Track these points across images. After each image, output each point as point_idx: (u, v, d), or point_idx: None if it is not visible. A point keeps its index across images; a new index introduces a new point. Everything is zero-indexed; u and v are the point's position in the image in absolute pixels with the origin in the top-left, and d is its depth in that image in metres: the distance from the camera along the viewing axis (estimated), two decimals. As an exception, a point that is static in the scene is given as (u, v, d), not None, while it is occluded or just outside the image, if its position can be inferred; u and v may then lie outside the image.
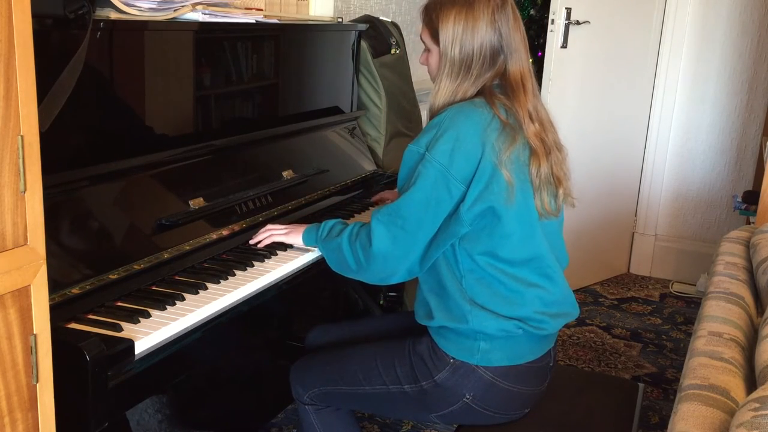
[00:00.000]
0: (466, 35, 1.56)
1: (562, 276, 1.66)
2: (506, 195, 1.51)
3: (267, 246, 1.77)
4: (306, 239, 1.73)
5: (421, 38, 1.67)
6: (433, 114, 1.61)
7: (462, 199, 1.52)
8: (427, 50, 1.65)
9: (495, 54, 1.57)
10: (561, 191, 1.61)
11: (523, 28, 1.63)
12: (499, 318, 1.55)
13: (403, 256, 1.56)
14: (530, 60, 1.63)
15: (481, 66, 1.57)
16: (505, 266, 1.55)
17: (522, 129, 1.55)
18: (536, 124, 1.57)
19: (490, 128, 1.52)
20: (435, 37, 1.60)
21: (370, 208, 2.17)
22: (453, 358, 1.57)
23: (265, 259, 1.72)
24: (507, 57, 1.58)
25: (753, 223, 2.65)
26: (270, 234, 1.77)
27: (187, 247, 1.64)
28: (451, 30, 1.57)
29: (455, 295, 1.56)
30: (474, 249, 1.54)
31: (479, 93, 1.58)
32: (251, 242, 1.78)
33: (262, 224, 1.85)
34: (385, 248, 1.55)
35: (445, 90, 1.59)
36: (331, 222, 1.70)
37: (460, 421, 1.66)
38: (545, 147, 1.58)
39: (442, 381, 1.58)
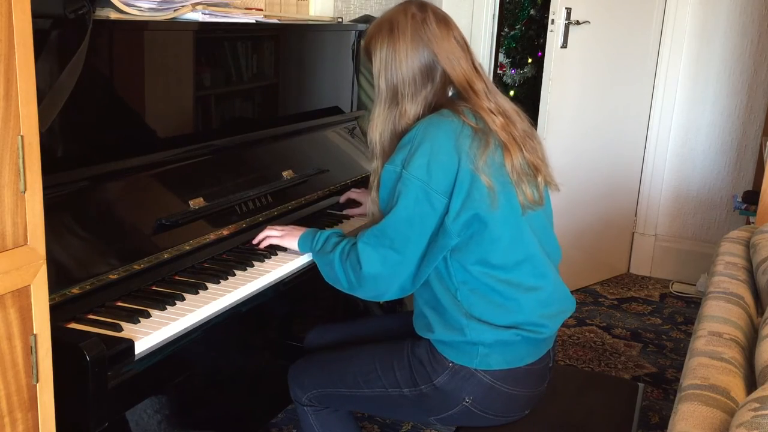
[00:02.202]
0: (389, 61, 1.59)
1: (555, 271, 1.65)
2: (489, 200, 1.50)
3: (267, 246, 1.77)
4: (301, 246, 1.72)
5: None
6: (373, 143, 1.64)
7: (446, 212, 1.52)
8: None
9: (429, 70, 1.59)
10: (540, 178, 1.61)
11: (456, 30, 1.62)
12: (497, 328, 1.54)
13: (395, 276, 1.55)
14: (470, 60, 1.62)
15: (413, 86, 1.58)
16: (498, 272, 1.54)
17: (491, 130, 1.54)
18: (500, 117, 1.57)
19: (462, 136, 1.52)
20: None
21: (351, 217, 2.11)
22: (452, 362, 1.56)
23: (265, 260, 1.72)
24: (444, 67, 1.59)
25: (753, 223, 2.65)
26: (266, 236, 1.77)
27: (187, 247, 1.64)
28: (377, 59, 1.61)
29: (451, 309, 1.56)
30: (466, 259, 1.53)
31: (441, 106, 1.58)
32: (254, 242, 1.78)
33: (262, 224, 1.85)
34: (375, 270, 1.55)
35: (378, 118, 1.62)
36: (326, 233, 1.69)
37: (460, 423, 1.66)
38: (515, 139, 1.57)
39: (442, 385, 1.57)
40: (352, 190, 2.15)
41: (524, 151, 1.58)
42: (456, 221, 1.51)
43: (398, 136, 1.59)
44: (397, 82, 1.59)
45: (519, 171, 1.55)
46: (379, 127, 1.63)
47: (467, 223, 1.51)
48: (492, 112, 1.57)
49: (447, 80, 1.61)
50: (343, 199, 2.15)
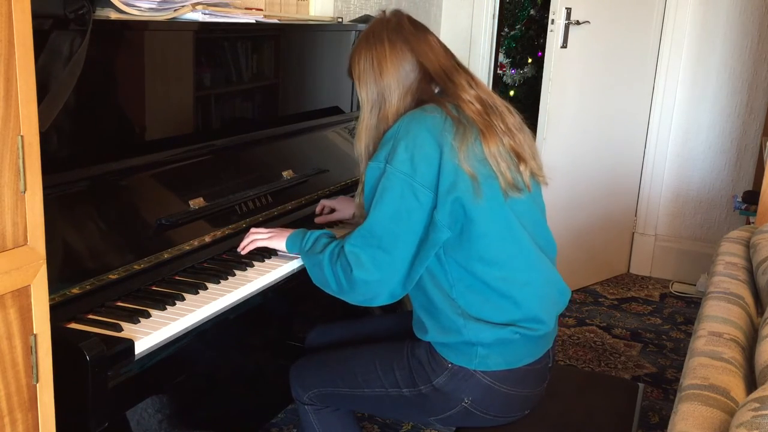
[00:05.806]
0: (370, 68, 1.60)
1: (548, 263, 1.63)
2: (473, 190, 1.49)
3: (263, 248, 1.76)
4: (290, 246, 1.68)
5: None
6: (359, 154, 1.64)
7: (433, 206, 1.50)
8: None
9: (407, 67, 1.59)
10: (523, 167, 1.58)
11: (432, 35, 1.65)
12: (494, 326, 1.53)
13: (386, 278, 1.52)
14: (451, 57, 1.65)
15: (395, 85, 1.59)
16: (494, 269, 1.53)
17: (470, 120, 1.54)
18: (476, 104, 1.57)
19: (445, 130, 1.51)
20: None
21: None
22: (451, 363, 1.56)
23: (266, 259, 1.71)
24: (421, 59, 1.59)
25: (753, 223, 2.65)
26: (252, 239, 1.71)
27: (187, 247, 1.64)
28: (359, 70, 1.62)
29: (446, 310, 1.55)
30: (461, 257, 1.52)
31: (426, 101, 1.58)
32: (239, 250, 1.71)
33: (263, 224, 1.85)
34: (366, 273, 1.51)
35: (364, 130, 1.62)
36: (316, 233, 1.65)
37: (460, 424, 1.66)
38: (494, 127, 1.56)
39: (441, 386, 1.57)
40: (322, 201, 2.03)
41: (507, 140, 1.57)
42: (441, 212, 1.49)
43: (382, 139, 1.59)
44: (380, 87, 1.60)
45: (498, 157, 1.53)
46: (364, 138, 1.63)
47: (452, 212, 1.49)
48: (470, 101, 1.57)
49: (426, 72, 1.60)
50: (320, 218, 2.01)
